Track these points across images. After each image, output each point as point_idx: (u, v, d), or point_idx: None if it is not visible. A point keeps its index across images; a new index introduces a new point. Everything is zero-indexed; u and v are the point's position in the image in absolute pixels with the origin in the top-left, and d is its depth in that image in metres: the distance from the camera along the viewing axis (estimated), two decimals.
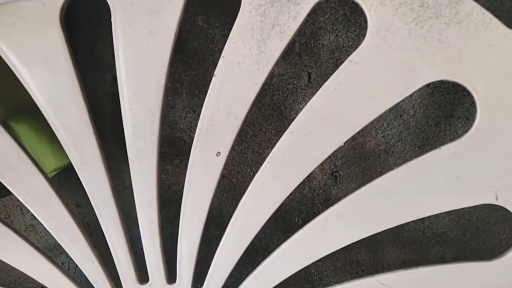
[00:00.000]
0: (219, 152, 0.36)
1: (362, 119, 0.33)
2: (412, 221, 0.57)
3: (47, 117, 0.37)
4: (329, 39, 0.46)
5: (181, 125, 0.53)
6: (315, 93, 0.33)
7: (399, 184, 0.34)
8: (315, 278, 0.64)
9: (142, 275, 0.43)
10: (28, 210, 0.63)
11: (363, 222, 0.35)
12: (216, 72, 0.34)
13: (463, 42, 0.30)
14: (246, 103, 0.34)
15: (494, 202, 0.32)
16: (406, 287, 0.37)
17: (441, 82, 0.49)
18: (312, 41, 0.46)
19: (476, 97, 0.31)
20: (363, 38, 0.32)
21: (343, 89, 0.32)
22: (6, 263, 0.58)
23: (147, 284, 0.43)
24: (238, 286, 0.44)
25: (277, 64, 0.50)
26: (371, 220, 0.35)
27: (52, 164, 0.45)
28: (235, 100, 0.34)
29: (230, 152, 0.37)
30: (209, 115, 0.35)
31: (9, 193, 0.57)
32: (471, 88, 0.31)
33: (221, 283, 0.42)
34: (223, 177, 0.57)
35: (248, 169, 0.56)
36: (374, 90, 0.32)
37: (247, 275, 0.44)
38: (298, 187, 0.42)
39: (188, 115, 0.52)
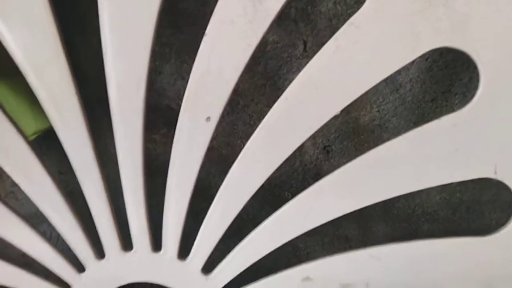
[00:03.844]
0: (209, 117, 0.34)
1: (360, 86, 0.31)
2: (402, 198, 0.57)
3: (26, 76, 0.34)
4: (327, 5, 0.43)
5: (169, 93, 0.51)
6: None
7: (395, 156, 0.33)
8: (302, 253, 0.63)
9: (126, 243, 0.42)
10: (8, 177, 0.61)
11: (356, 193, 0.34)
12: (207, 31, 0.32)
13: (469, 7, 0.28)
14: (239, 65, 0.32)
15: (492, 176, 0.31)
16: (397, 260, 0.36)
17: (440, 56, 0.48)
18: (309, 7, 0.44)
19: (479, 66, 0.30)
20: (362, 5, 0.30)
21: (341, 54, 0.31)
22: None
23: (131, 252, 0.42)
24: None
25: (272, 30, 0.48)
26: (365, 191, 0.34)
27: (32, 127, 0.43)
28: (227, 62, 0.32)
29: (220, 121, 0.35)
30: (199, 78, 0.33)
31: None
32: (475, 56, 0.30)
33: (208, 252, 0.41)
34: (212, 148, 0.56)
35: (238, 141, 0.54)
36: (374, 55, 0.30)
37: (233, 248, 0.44)
38: (289, 161, 0.41)
39: (177, 82, 0.50)
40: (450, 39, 0.29)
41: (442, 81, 0.47)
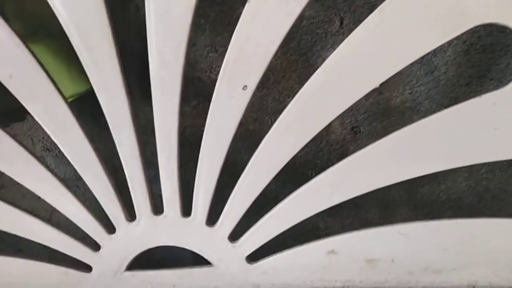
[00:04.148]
0: (245, 86, 0.34)
1: (401, 60, 0.31)
2: (427, 184, 0.56)
3: (70, 37, 0.35)
4: None
5: (202, 65, 0.51)
6: None
7: (432, 132, 0.32)
8: (322, 233, 0.64)
9: (157, 208, 0.43)
10: (39, 140, 0.62)
11: (390, 168, 0.34)
12: None
13: None
14: (279, 35, 0.32)
15: None
16: (424, 238, 0.36)
17: (478, 39, 0.47)
18: None
19: None
20: None
21: (385, 26, 0.30)
22: (15, 194, 0.58)
23: (162, 216, 0.43)
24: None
25: (309, 5, 0.47)
26: (398, 166, 0.34)
27: (69, 89, 0.44)
28: (267, 31, 0.32)
29: (255, 90, 0.35)
30: (238, 46, 0.33)
31: (21, 119, 0.56)
32: None
33: (236, 220, 0.42)
34: (239, 123, 0.56)
35: (267, 117, 0.54)
36: (418, 29, 0.30)
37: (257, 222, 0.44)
38: (314, 140, 0.40)
39: (210, 55, 0.50)
40: (497, 15, 0.29)
41: (478, 65, 0.47)
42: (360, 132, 0.53)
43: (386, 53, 0.31)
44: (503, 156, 0.31)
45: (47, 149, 0.62)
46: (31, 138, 0.62)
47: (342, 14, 0.45)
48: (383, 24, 0.30)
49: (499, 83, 0.48)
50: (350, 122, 0.53)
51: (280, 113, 0.36)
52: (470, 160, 0.33)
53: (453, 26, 0.29)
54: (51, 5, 0.34)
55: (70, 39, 0.35)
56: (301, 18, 0.46)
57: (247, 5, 0.32)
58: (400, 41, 0.30)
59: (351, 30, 0.33)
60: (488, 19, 0.29)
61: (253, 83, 0.34)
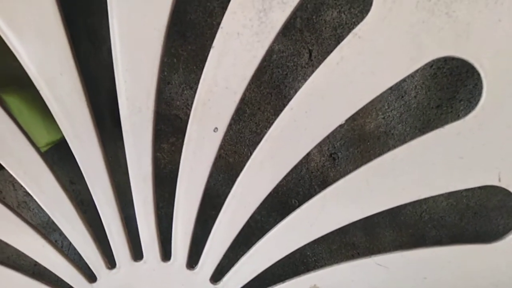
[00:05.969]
0: (216, 128, 0.35)
1: (364, 96, 0.32)
2: (409, 205, 0.57)
3: (39, 88, 0.35)
4: (331, 15, 0.44)
5: (178, 102, 0.52)
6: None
7: (400, 164, 0.33)
8: (310, 260, 0.63)
9: (137, 252, 0.42)
10: (21, 186, 0.62)
11: (361, 202, 0.35)
12: (214, 44, 0.32)
13: (472, 16, 0.29)
14: (245, 77, 0.33)
15: (496, 183, 0.31)
16: (403, 268, 0.36)
17: (445, 63, 0.48)
18: (314, 17, 0.45)
19: (482, 75, 0.30)
20: (367, 14, 0.30)
21: (346, 64, 0.31)
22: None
23: (141, 261, 0.42)
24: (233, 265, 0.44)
25: (277, 40, 0.48)
26: (370, 200, 0.34)
27: (44, 138, 0.44)
28: (233, 73, 0.33)
29: (227, 130, 0.36)
30: (207, 89, 0.34)
31: (1, 168, 0.56)
32: (478, 65, 0.30)
33: (217, 261, 0.41)
34: (219, 157, 0.56)
35: (245, 149, 0.55)
36: (378, 66, 0.31)
37: (242, 256, 0.44)
38: (295, 168, 0.40)
39: (185, 92, 0.51)
40: (453, 48, 0.30)
41: (447, 87, 0.48)
42: (338, 158, 0.54)
43: (350, 89, 0.32)
44: (470, 184, 0.32)
45: (30, 194, 0.61)
46: (13, 184, 0.62)
47: (310, 47, 0.46)
48: (344, 62, 0.31)
49: (469, 103, 0.49)
50: (328, 149, 0.54)
51: (258, 144, 0.37)
52: (441, 189, 0.33)
53: (411, 61, 0.30)
54: (18, 58, 0.34)
55: (39, 90, 0.35)
56: (271, 52, 0.47)
57: (212, 50, 0.32)
58: (362, 77, 0.31)
59: (320, 62, 0.34)
60: (444, 52, 0.30)
61: (223, 124, 0.34)
